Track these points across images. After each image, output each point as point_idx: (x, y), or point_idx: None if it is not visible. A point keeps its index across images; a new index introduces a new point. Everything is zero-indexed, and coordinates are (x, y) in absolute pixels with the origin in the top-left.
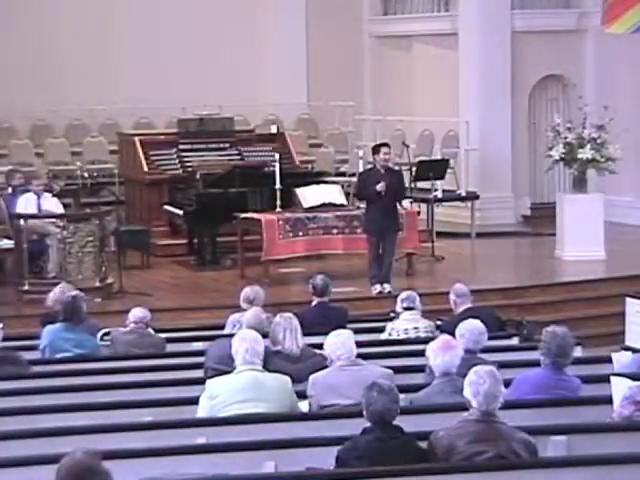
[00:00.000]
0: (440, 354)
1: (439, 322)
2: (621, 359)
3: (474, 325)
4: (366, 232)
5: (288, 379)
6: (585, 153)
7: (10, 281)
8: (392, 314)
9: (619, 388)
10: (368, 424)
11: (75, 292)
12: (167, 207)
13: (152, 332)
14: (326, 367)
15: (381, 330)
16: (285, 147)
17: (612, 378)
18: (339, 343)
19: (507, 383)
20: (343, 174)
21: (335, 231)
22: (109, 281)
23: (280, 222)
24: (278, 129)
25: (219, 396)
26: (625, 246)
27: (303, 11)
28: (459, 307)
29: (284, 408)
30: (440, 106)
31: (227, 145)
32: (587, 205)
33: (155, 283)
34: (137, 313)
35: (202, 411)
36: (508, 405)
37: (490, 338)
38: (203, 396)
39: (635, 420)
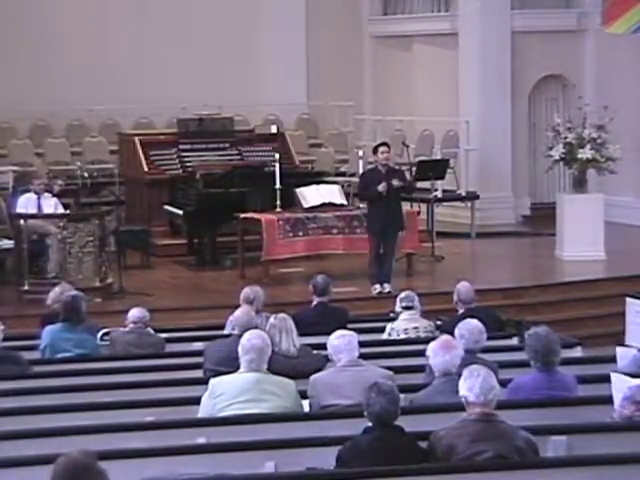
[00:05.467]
0: (440, 354)
1: (439, 322)
2: (625, 354)
3: (474, 325)
4: (368, 232)
5: (292, 382)
6: (585, 153)
7: (10, 281)
8: (392, 314)
9: (619, 386)
10: (369, 424)
11: (75, 292)
12: (167, 207)
13: (151, 332)
14: (325, 365)
15: (381, 330)
16: (285, 147)
17: (612, 375)
18: (343, 344)
19: (507, 383)
20: (343, 174)
21: (335, 231)
22: (109, 281)
23: (280, 222)
24: (278, 129)
25: (222, 395)
26: (625, 246)
27: (303, 11)
28: (460, 308)
29: (287, 410)
30: (440, 106)
31: (227, 145)
32: (587, 205)
33: (155, 283)
34: (136, 313)
35: (203, 409)
36: (508, 405)
37: (490, 338)
38: (205, 394)
39: (635, 420)
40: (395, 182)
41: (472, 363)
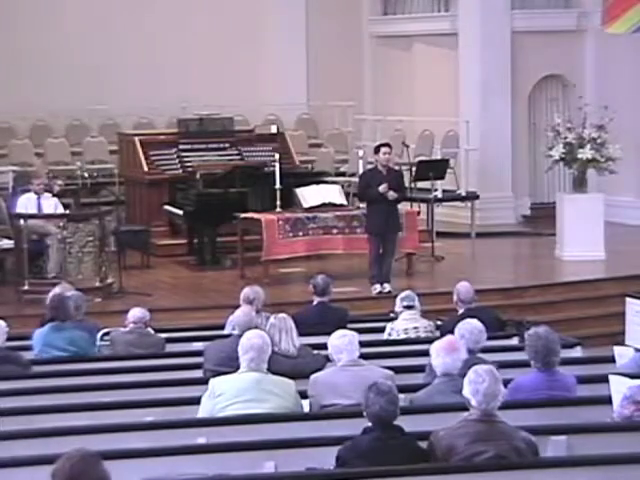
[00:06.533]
0: (442, 355)
1: (439, 322)
2: (623, 353)
3: (474, 325)
4: (367, 232)
5: (292, 382)
6: (585, 153)
7: (10, 281)
8: (392, 314)
9: (618, 387)
10: (369, 424)
11: (60, 291)
12: (167, 207)
13: (151, 332)
14: (325, 365)
15: (381, 330)
16: (285, 147)
17: (611, 377)
18: (343, 344)
19: (507, 383)
20: (343, 174)
21: (335, 231)
22: (109, 281)
23: (280, 222)
24: (278, 129)
25: (222, 394)
26: (625, 246)
27: (303, 11)
28: (460, 308)
29: (287, 410)
30: (440, 106)
31: (227, 145)
32: (587, 205)
33: (155, 283)
34: (136, 313)
35: (203, 410)
36: (508, 405)
37: (490, 338)
38: (206, 394)
39: (635, 420)
40: (391, 194)
41: (472, 363)
